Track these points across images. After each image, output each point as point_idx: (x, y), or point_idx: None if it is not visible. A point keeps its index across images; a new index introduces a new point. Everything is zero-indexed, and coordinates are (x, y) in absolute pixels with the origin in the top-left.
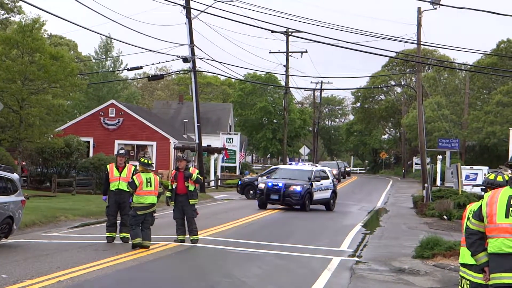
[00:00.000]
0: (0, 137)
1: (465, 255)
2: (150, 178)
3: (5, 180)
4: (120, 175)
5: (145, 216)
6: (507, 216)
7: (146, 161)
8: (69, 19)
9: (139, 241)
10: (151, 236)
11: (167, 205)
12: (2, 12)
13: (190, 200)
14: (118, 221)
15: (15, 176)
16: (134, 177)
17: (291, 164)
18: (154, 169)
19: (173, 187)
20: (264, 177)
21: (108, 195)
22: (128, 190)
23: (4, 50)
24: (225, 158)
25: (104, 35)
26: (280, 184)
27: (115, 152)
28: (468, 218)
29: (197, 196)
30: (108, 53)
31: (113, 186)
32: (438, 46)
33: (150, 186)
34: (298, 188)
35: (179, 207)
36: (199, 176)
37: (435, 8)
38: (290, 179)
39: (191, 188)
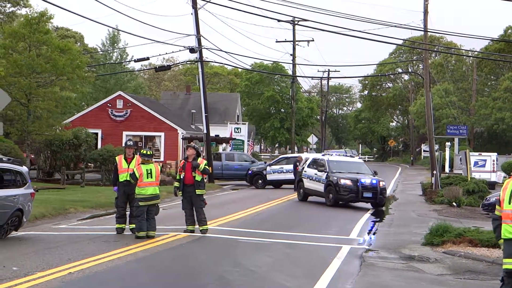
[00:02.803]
0: (8, 130)
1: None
2: (150, 169)
3: (14, 173)
4: (128, 166)
5: (148, 207)
6: (509, 202)
7: (146, 152)
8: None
9: (143, 234)
10: (160, 226)
11: (175, 195)
12: (9, 5)
13: (196, 191)
14: (128, 213)
15: (24, 169)
16: (135, 168)
17: (327, 154)
18: (160, 159)
19: (181, 177)
20: (273, 166)
21: (117, 187)
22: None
23: (11, 43)
24: (233, 147)
25: (111, 26)
26: (374, 181)
27: (123, 144)
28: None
29: (204, 187)
30: (115, 44)
31: (121, 177)
32: (445, 33)
33: (151, 177)
34: (385, 184)
35: (187, 198)
36: (206, 166)
37: None
38: (357, 173)
39: (198, 178)
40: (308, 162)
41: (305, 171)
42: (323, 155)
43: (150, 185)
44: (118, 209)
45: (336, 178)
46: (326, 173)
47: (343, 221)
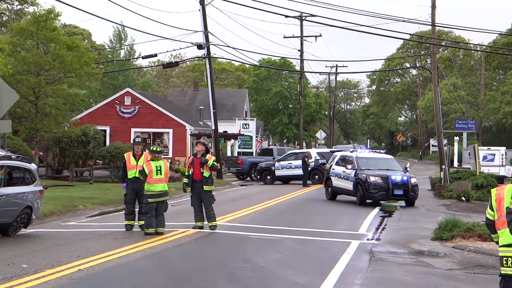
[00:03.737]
0: (17, 127)
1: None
2: (160, 166)
3: (23, 170)
4: (137, 163)
5: (157, 203)
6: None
7: (155, 148)
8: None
9: (152, 231)
10: (169, 223)
11: (184, 192)
12: (16, 3)
13: (204, 187)
14: (137, 209)
15: (32, 166)
16: (144, 165)
17: (356, 150)
18: (168, 156)
19: (190, 173)
20: (281, 162)
21: (126, 183)
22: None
23: (19, 41)
24: (241, 143)
25: (118, 23)
26: (405, 178)
27: (132, 141)
28: None
29: (212, 183)
30: (122, 41)
31: (130, 174)
32: (453, 27)
33: (160, 174)
34: (416, 180)
35: (196, 194)
36: (215, 163)
37: None
38: (387, 169)
39: (206, 174)
40: (336, 160)
41: (333, 169)
42: (351, 151)
43: (159, 182)
44: (127, 205)
45: (365, 175)
46: (355, 171)
47: (352, 216)
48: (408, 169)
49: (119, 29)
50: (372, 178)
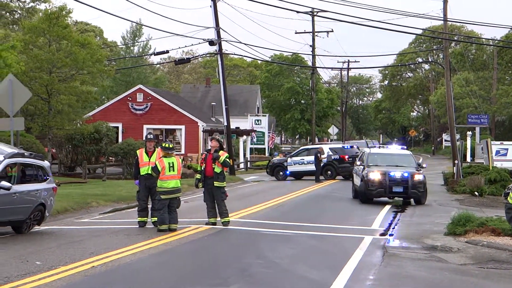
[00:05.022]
0: (30, 125)
1: None
2: (172, 162)
3: (36, 167)
4: (149, 159)
5: (170, 200)
6: None
7: (167, 145)
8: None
9: (165, 227)
10: (182, 219)
11: (196, 187)
12: (28, 0)
13: (215, 183)
14: (149, 206)
15: (46, 163)
16: (157, 162)
17: (376, 147)
18: (181, 152)
19: (202, 169)
20: (294, 158)
21: (139, 180)
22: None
23: (31, 38)
24: (254, 139)
25: (129, 20)
26: (405, 174)
27: (144, 137)
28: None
29: (224, 179)
30: (136, 38)
31: (143, 171)
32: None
33: (173, 170)
34: (421, 177)
35: (208, 190)
36: (227, 159)
37: None
38: (396, 166)
39: (217, 170)
40: (359, 156)
41: (355, 165)
42: (369, 147)
43: (172, 178)
44: (140, 202)
45: (366, 172)
46: (363, 167)
47: (365, 212)
48: (422, 165)
49: (136, 26)
50: (371, 175)
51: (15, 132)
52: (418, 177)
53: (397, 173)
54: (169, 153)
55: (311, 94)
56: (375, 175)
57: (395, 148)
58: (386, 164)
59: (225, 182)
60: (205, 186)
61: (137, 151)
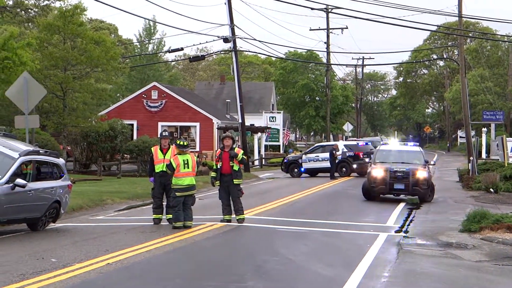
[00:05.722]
0: (45, 122)
1: None
2: (187, 159)
3: (51, 165)
4: (164, 157)
5: (185, 197)
6: None
7: (181, 142)
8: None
9: (180, 224)
10: (197, 216)
11: (212, 186)
12: None
13: (234, 180)
14: (164, 203)
15: (60, 161)
16: (172, 159)
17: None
18: (195, 149)
19: (218, 167)
20: (309, 155)
21: (154, 177)
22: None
23: (46, 36)
24: (269, 136)
25: (144, 17)
26: (407, 171)
27: (159, 134)
28: None
29: (242, 176)
30: (151, 35)
31: (157, 168)
32: (480, 18)
33: (188, 167)
34: (424, 174)
35: (224, 187)
36: (244, 156)
37: None
38: (402, 162)
39: (236, 168)
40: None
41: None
42: (381, 144)
43: (187, 176)
44: (155, 199)
45: (370, 168)
46: (370, 164)
47: (379, 209)
48: (430, 162)
49: (150, 23)
50: (373, 172)
51: (30, 129)
52: (421, 174)
53: (398, 170)
54: (184, 151)
55: (325, 91)
56: (377, 172)
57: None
58: (393, 161)
59: (242, 180)
60: (221, 184)
61: (152, 148)
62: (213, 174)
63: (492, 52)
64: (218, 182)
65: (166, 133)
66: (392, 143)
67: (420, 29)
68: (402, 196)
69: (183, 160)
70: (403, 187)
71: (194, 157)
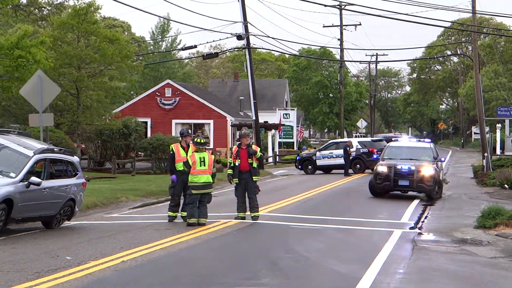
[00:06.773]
0: (59, 120)
1: None
2: (204, 157)
3: (65, 163)
4: (186, 154)
5: (201, 195)
6: None
7: (199, 140)
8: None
9: (194, 221)
10: (211, 213)
11: (230, 183)
12: None
13: (253, 177)
14: (182, 201)
15: (75, 159)
16: (188, 156)
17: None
18: (209, 147)
19: (236, 164)
20: (323, 152)
21: (175, 175)
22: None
23: (60, 34)
24: (282, 133)
25: (158, 15)
26: (412, 167)
27: (174, 132)
28: None
29: (259, 173)
30: (165, 33)
31: (179, 166)
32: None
33: (204, 165)
34: (430, 170)
35: (242, 184)
36: (261, 153)
37: None
38: (411, 159)
39: (255, 165)
40: None
41: None
42: (393, 140)
43: (203, 173)
44: (174, 197)
45: (377, 165)
46: (379, 160)
47: (394, 205)
48: (440, 159)
49: (164, 21)
50: (379, 168)
51: (44, 127)
52: (426, 170)
53: (403, 166)
54: (201, 148)
55: (339, 87)
56: (382, 168)
57: (399, 141)
58: (401, 157)
59: (259, 176)
60: (239, 181)
61: (172, 146)
62: (229, 171)
63: (506, 48)
64: (236, 179)
65: (189, 132)
66: (403, 140)
67: (434, 25)
68: (410, 193)
69: (200, 158)
70: (408, 183)
71: (211, 155)
